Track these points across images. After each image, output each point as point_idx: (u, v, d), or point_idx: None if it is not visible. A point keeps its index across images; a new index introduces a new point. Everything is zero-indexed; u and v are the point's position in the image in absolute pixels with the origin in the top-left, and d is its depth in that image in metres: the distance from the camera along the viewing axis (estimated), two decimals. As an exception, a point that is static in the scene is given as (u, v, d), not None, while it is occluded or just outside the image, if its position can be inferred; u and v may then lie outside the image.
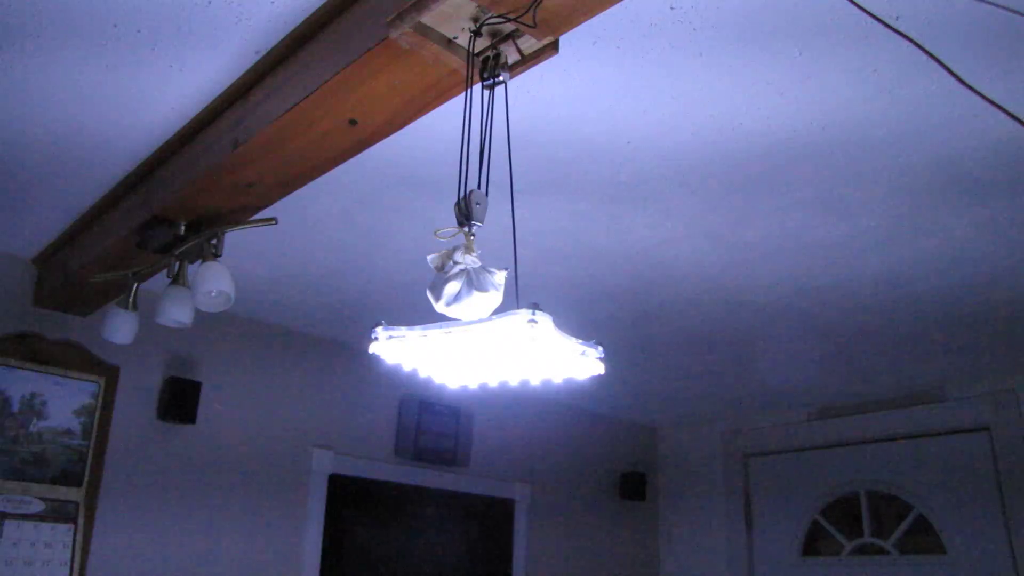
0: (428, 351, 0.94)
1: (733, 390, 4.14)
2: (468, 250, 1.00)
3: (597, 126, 1.84)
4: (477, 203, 1.04)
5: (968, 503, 3.73)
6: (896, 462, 4.02)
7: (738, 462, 4.61)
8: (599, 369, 0.93)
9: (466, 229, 1.04)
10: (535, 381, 0.97)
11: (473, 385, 0.97)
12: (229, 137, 1.72)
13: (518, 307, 0.87)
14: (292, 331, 3.35)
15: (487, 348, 0.92)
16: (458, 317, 0.99)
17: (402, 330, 0.93)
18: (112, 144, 1.97)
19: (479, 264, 1.00)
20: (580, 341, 0.91)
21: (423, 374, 0.97)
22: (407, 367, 0.96)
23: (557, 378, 0.96)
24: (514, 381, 0.97)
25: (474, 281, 0.99)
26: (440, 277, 1.00)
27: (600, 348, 0.93)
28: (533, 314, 0.85)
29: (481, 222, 1.05)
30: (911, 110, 1.74)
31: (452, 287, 0.99)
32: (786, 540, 4.32)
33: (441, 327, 0.90)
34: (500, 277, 1.01)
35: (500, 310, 0.92)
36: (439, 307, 0.99)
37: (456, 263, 0.99)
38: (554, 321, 0.88)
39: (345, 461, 3.46)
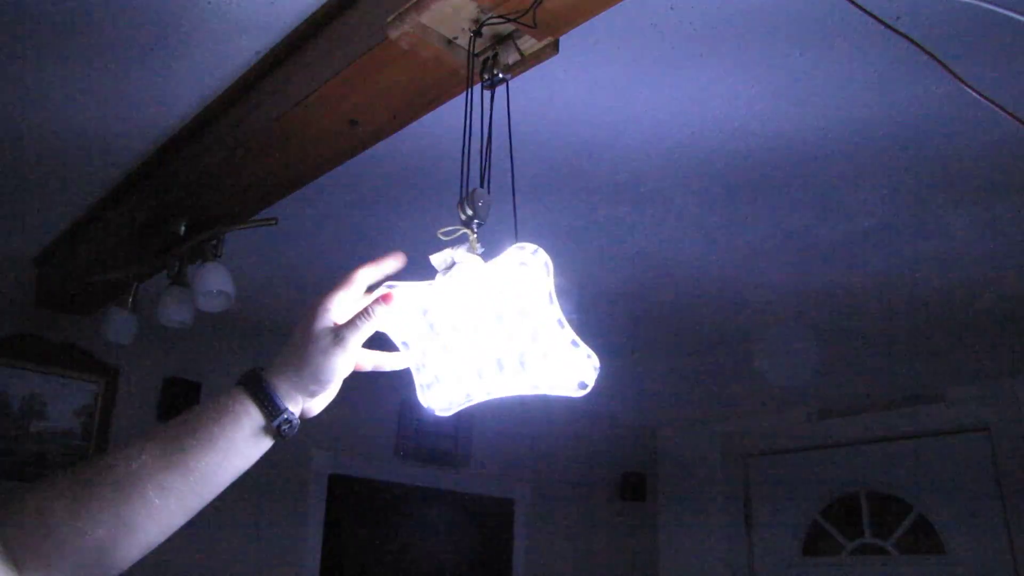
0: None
1: (733, 390, 4.14)
2: (471, 249, 1.00)
3: (597, 126, 1.84)
4: (480, 201, 1.04)
5: (968, 503, 3.73)
6: (896, 462, 4.02)
7: (738, 462, 4.61)
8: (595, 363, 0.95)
9: (469, 228, 1.04)
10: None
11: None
12: (229, 137, 1.72)
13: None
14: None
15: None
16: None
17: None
18: (112, 144, 1.97)
19: (482, 263, 1.00)
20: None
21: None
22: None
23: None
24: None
25: (476, 280, 0.99)
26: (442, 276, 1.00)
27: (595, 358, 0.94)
28: (534, 252, 0.92)
29: (484, 220, 1.05)
30: (911, 110, 1.74)
31: (454, 286, 0.99)
32: (786, 540, 4.32)
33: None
34: (501, 276, 1.00)
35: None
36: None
37: (458, 262, 0.99)
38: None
39: (345, 461, 3.45)
